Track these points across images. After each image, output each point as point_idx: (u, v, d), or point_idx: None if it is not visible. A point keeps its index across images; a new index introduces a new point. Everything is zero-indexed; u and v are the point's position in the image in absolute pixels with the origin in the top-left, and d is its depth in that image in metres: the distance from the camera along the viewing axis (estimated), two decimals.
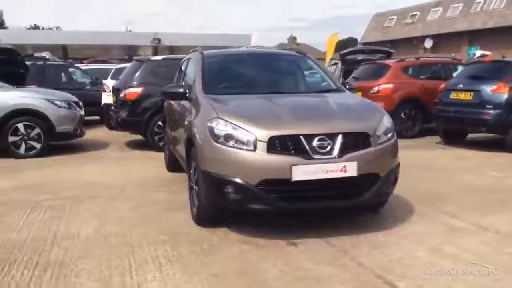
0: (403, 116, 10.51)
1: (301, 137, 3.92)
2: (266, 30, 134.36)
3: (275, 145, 3.90)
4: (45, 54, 15.55)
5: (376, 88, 10.55)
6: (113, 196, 5.59)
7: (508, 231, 4.27)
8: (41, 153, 8.30)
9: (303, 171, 3.85)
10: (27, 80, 11.06)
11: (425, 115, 10.43)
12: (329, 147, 3.94)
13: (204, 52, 5.67)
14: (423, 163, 7.49)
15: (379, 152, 4.15)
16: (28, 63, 11.55)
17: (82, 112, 9.21)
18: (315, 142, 3.91)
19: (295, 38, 74.61)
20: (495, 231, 4.27)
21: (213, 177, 4.04)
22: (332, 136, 3.97)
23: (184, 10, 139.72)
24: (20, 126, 8.23)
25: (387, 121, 4.40)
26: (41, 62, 12.65)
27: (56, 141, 8.55)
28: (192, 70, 5.51)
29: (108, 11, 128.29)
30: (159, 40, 31.94)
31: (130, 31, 42.24)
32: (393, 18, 42.47)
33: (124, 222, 4.64)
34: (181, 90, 5.03)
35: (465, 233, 4.25)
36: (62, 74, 12.77)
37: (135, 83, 8.98)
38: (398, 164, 4.44)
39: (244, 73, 5.59)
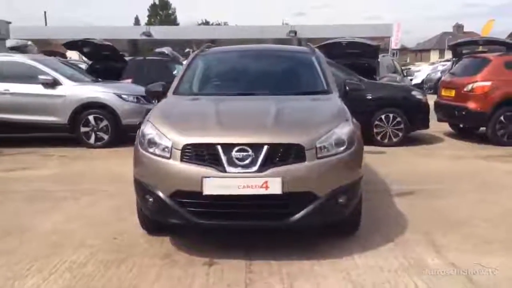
0: (503, 120, 8.96)
1: (218, 146, 3.51)
2: (427, 19, 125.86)
3: (190, 153, 3.55)
4: (165, 50, 16.59)
5: (470, 86, 9.14)
6: (111, 194, 5.67)
7: None
8: (109, 144, 8.86)
9: (215, 185, 3.45)
10: (125, 74, 11.91)
11: None
12: (249, 159, 3.46)
13: (208, 49, 5.50)
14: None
15: (318, 167, 3.54)
16: (127, 58, 12.42)
17: (151, 106, 9.58)
18: (233, 153, 3.48)
19: (461, 26, 69.29)
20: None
21: (138, 185, 3.86)
22: (256, 147, 3.48)
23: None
24: (91, 118, 8.90)
25: (341, 131, 3.74)
26: (140, 58, 13.50)
27: (122, 133, 9.04)
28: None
29: (277, 4, 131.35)
30: (295, 33, 32.06)
31: (286, 24, 42.82)
32: None
33: (70, 224, 4.67)
34: (160, 89, 4.91)
35: (422, 275, 3.44)
36: (160, 69, 13.49)
37: None
38: (355, 182, 3.76)
39: (228, 72, 5.26)
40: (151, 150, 3.73)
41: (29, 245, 4.05)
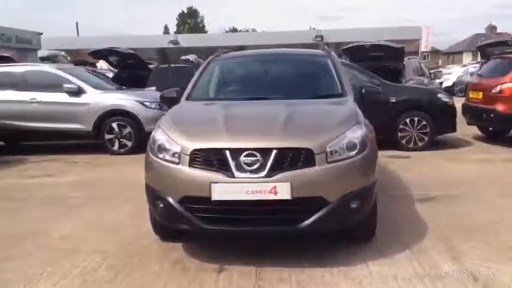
0: None
1: (226, 151, 3.46)
2: (456, 20, 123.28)
3: (198, 159, 3.52)
4: (190, 57, 16.74)
5: (498, 88, 8.85)
6: (129, 200, 5.69)
7: None
8: (133, 150, 8.94)
9: (223, 190, 3.40)
10: (149, 82, 12.04)
11: None
12: (258, 164, 3.40)
13: (223, 55, 5.50)
14: None
15: (329, 172, 3.45)
16: (152, 66, 12.57)
17: None
18: (242, 158, 3.43)
19: (494, 27, 67.40)
20: None
21: (149, 190, 3.85)
22: (264, 152, 3.42)
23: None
24: (114, 125, 9.02)
25: (352, 135, 3.64)
26: (165, 66, 13.63)
27: (145, 140, 9.05)
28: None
29: (308, 10, 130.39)
30: (322, 38, 31.89)
31: (314, 29, 42.51)
32: None
33: (86, 229, 4.72)
34: (174, 95, 4.91)
35: (437, 283, 3.31)
36: (184, 76, 13.55)
37: None
38: (368, 187, 3.65)
39: (241, 77, 5.22)
40: (161, 155, 3.72)
41: (42, 250, 4.09)
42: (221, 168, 3.44)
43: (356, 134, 3.67)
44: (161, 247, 4.09)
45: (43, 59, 18.67)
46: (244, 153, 3.42)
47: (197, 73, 5.11)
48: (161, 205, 3.69)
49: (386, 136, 9.09)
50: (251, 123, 3.95)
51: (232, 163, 3.42)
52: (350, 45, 11.72)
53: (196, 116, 4.28)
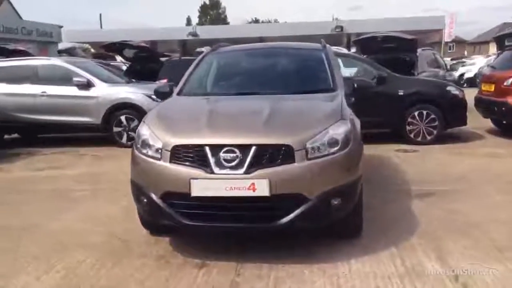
0: None
1: (206, 147, 3.47)
2: (488, 10, 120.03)
3: (179, 154, 3.53)
4: (204, 49, 16.73)
5: (510, 80, 8.64)
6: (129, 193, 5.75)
7: None
8: None
9: (203, 186, 3.41)
10: (161, 75, 12.08)
11: None
12: (237, 161, 3.40)
13: (219, 49, 5.50)
14: None
15: (309, 168, 3.42)
16: (162, 59, 12.62)
17: None
18: (221, 154, 3.43)
19: None
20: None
21: (133, 186, 3.88)
22: (243, 148, 3.41)
23: None
24: (123, 118, 9.12)
25: (335, 131, 3.59)
26: (176, 58, 13.66)
27: None
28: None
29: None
30: (341, 28, 31.53)
31: (336, 19, 42.00)
32: None
33: (81, 222, 4.78)
34: (167, 89, 4.92)
35: (418, 281, 3.26)
36: None
37: None
38: (351, 184, 3.61)
39: (233, 72, 5.21)
40: (144, 151, 3.74)
41: (34, 243, 4.17)
42: (201, 164, 3.45)
43: (338, 130, 3.62)
44: (148, 242, 4.12)
45: (61, 52, 18.91)
46: (224, 149, 3.42)
47: (190, 68, 5.12)
48: (145, 201, 3.72)
49: (394, 129, 9.01)
50: (234, 119, 3.95)
51: (211, 159, 3.43)
52: (361, 37, 11.54)
53: (182, 112, 4.28)
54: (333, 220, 3.64)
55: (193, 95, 4.70)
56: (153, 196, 3.61)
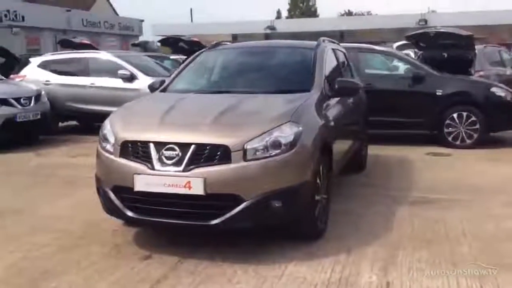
0: None
1: (151, 144, 3.59)
2: None
3: (127, 150, 3.69)
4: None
5: None
6: None
7: None
8: None
9: (145, 182, 3.54)
10: None
11: None
12: (177, 159, 3.49)
13: (218, 46, 5.58)
14: None
15: (245, 170, 3.42)
16: None
17: None
18: (163, 151, 3.53)
19: None
20: None
21: (95, 178, 4.10)
22: (183, 147, 3.49)
23: None
24: None
25: (279, 134, 3.54)
26: None
27: None
28: None
29: None
30: (425, 22, 30.19)
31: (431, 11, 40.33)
32: None
33: (71, 209, 5.07)
34: (157, 85, 5.09)
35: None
36: None
37: None
38: (296, 186, 3.54)
39: (216, 71, 5.25)
40: (103, 145, 3.95)
41: (17, 226, 4.52)
42: (145, 160, 3.58)
43: (284, 132, 3.57)
44: (116, 231, 4.30)
45: (135, 45, 19.92)
46: (166, 147, 3.53)
47: (182, 65, 5.25)
48: (102, 194, 3.93)
49: (431, 131, 8.56)
50: (185, 117, 4.01)
51: (154, 156, 3.55)
52: (413, 32, 11.01)
53: (146, 108, 4.41)
54: (274, 222, 3.62)
55: (174, 92, 4.81)
56: (106, 189, 3.80)
